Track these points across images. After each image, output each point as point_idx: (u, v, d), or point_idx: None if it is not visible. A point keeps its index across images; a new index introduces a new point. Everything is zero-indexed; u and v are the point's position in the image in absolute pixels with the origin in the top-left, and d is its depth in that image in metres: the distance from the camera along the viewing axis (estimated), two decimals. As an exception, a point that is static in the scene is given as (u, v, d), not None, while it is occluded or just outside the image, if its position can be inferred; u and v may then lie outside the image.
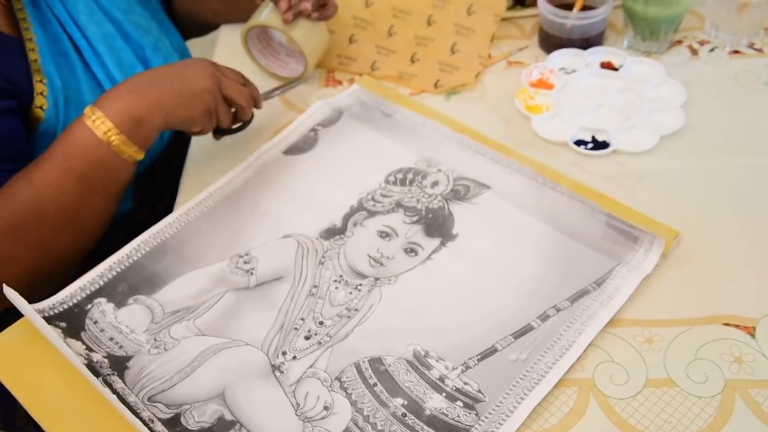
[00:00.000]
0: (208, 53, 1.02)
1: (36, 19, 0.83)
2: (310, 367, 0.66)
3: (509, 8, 1.03)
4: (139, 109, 0.74)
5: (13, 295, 0.68)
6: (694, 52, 0.97)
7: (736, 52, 0.96)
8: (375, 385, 0.65)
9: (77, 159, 0.73)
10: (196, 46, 1.10)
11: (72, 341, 0.68)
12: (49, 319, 0.69)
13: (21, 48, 0.80)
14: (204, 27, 1.12)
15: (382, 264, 0.74)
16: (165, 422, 0.63)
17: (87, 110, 0.73)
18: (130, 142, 0.74)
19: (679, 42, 0.98)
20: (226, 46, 1.02)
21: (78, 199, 0.74)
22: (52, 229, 0.74)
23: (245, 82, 0.84)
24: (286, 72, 0.98)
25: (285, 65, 0.99)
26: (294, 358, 0.67)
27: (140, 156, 0.76)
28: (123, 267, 0.75)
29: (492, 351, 0.66)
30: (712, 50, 0.97)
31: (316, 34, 0.94)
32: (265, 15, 0.91)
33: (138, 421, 0.60)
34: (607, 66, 0.95)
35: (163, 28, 1.00)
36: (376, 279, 0.73)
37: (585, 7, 0.96)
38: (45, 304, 0.71)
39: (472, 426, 0.61)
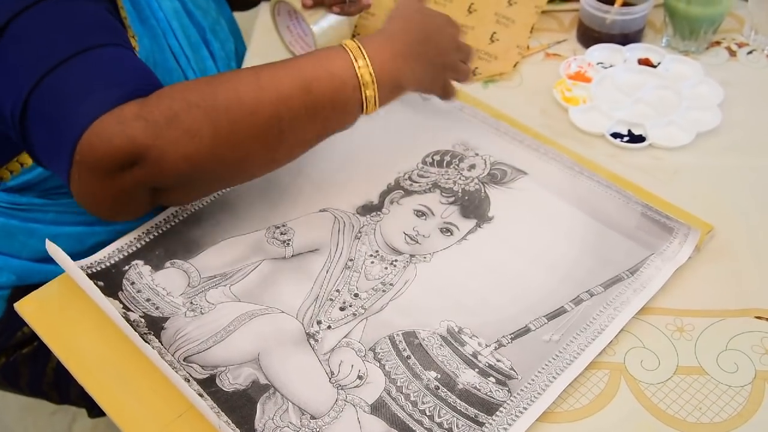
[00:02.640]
0: (249, 26, 1.03)
1: None
2: (345, 337, 0.67)
3: (550, 1, 1.04)
4: (402, 76, 0.72)
5: (54, 250, 0.70)
6: (732, 53, 0.97)
7: (774, 55, 0.96)
8: (408, 357, 0.66)
9: (321, 86, 0.68)
10: (238, 19, 1.11)
11: (110, 300, 0.69)
12: (88, 278, 0.71)
13: (114, 5, 0.80)
14: (248, 1, 1.13)
15: (417, 242, 0.75)
16: (200, 382, 0.64)
17: (353, 47, 0.70)
18: (378, 101, 0.71)
19: (718, 43, 0.99)
20: (266, 21, 1.03)
21: (294, 121, 0.68)
22: (250, 132, 0.66)
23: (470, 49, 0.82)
24: None
25: (305, 49, 0.99)
26: (329, 327, 0.68)
27: (371, 114, 0.72)
28: (160, 231, 0.76)
29: (525, 331, 0.67)
30: (750, 52, 0.97)
31: (334, 27, 0.95)
32: None
33: (177, 376, 0.61)
34: (644, 63, 0.96)
35: (220, 9, 1.01)
36: (412, 256, 0.74)
37: (626, 3, 0.96)
38: (83, 262, 0.73)
39: (504, 401, 0.62)
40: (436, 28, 0.77)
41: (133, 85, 0.66)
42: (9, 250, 0.84)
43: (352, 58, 0.69)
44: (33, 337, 0.92)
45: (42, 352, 0.93)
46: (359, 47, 0.70)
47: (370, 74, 0.69)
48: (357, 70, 0.69)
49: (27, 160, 0.79)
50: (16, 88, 0.65)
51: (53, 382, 0.96)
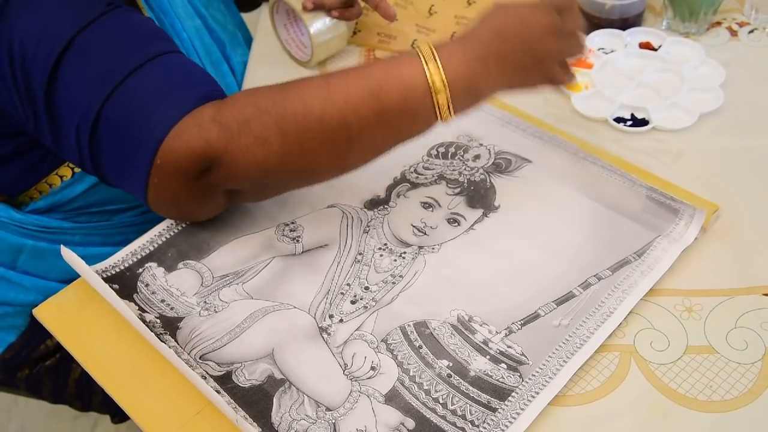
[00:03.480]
0: (252, 27, 1.04)
1: (147, 7, 0.87)
2: (357, 330, 0.68)
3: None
4: (479, 82, 0.68)
5: (70, 256, 0.71)
6: (734, 33, 0.97)
7: (775, 33, 0.96)
8: (420, 347, 0.66)
9: (390, 92, 0.66)
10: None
11: (125, 302, 0.71)
12: (103, 281, 0.72)
13: None
14: (251, 2, 1.14)
15: (425, 233, 0.76)
16: (217, 379, 0.65)
17: (426, 51, 0.67)
18: (453, 107, 0.68)
19: (719, 24, 0.99)
20: (268, 23, 1.04)
21: (364, 129, 0.67)
22: (318, 140, 0.66)
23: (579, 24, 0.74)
24: (298, 54, 1.00)
25: (301, 48, 1.00)
26: (341, 321, 0.69)
27: (448, 121, 0.69)
28: (172, 234, 0.78)
29: (535, 316, 0.68)
30: (751, 32, 0.97)
31: (331, 31, 0.96)
32: None
33: (194, 374, 0.63)
34: (645, 46, 0.96)
35: (235, 20, 1.03)
36: (420, 247, 0.75)
37: (625, -12, 0.97)
38: (98, 266, 0.74)
39: (516, 387, 0.63)
40: (523, 18, 0.69)
41: (205, 89, 0.69)
42: (37, 271, 0.86)
43: (424, 62, 0.66)
44: (56, 349, 0.94)
45: (64, 364, 0.95)
46: (432, 51, 0.67)
47: (442, 80, 0.66)
48: (428, 76, 0.66)
49: (56, 180, 0.81)
50: (86, 101, 0.66)
51: (75, 393, 0.98)
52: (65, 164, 0.80)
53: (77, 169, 0.81)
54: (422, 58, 0.67)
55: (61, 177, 0.81)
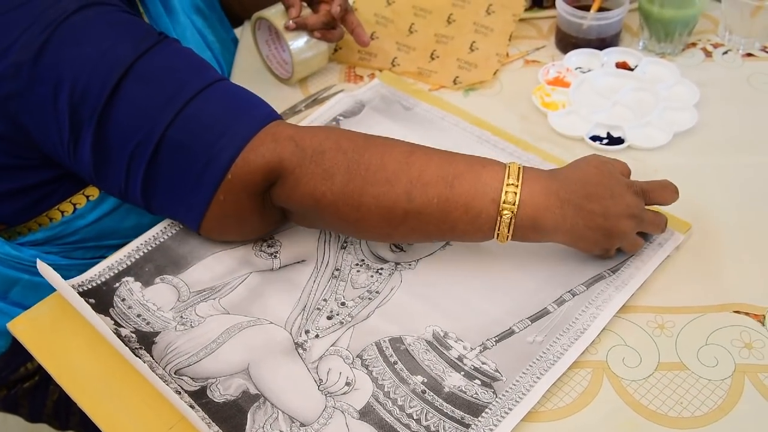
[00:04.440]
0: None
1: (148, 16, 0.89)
2: (332, 345, 0.69)
3: (527, 9, 1.06)
4: (549, 218, 0.67)
5: (45, 270, 0.71)
6: (708, 54, 0.99)
7: (749, 54, 0.98)
8: (395, 363, 0.67)
9: (463, 185, 0.67)
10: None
11: (101, 317, 0.71)
12: (79, 296, 0.72)
13: None
14: (233, 18, 1.15)
15: (402, 249, 0.76)
16: (191, 394, 0.65)
17: (514, 167, 0.67)
18: (511, 231, 0.67)
19: (693, 44, 1.01)
20: (250, 41, 1.04)
21: (423, 207, 0.67)
22: (376, 199, 0.67)
23: (663, 222, 0.73)
24: (279, 71, 1.01)
25: (282, 65, 1.01)
26: (317, 336, 0.69)
27: (502, 240, 0.68)
28: (150, 248, 0.78)
29: (509, 333, 0.69)
30: (725, 53, 0.99)
31: (312, 50, 0.97)
32: (274, 12, 0.95)
33: (168, 389, 0.63)
34: (622, 66, 0.97)
35: (228, 34, 1.05)
36: (397, 264, 0.75)
37: (602, 9, 0.98)
38: (74, 281, 0.74)
39: (490, 403, 0.63)
40: (612, 190, 0.68)
41: (268, 109, 0.72)
42: (30, 303, 0.86)
43: (506, 173, 0.67)
44: (35, 372, 0.94)
45: (43, 385, 0.95)
46: (519, 169, 0.67)
47: (515, 194, 0.66)
48: (504, 185, 0.66)
49: (57, 215, 0.82)
50: (147, 126, 0.68)
51: (53, 414, 0.97)
52: (68, 200, 0.81)
53: (80, 205, 0.82)
54: (507, 170, 0.67)
55: (63, 212, 0.81)
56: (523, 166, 0.68)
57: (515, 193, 0.66)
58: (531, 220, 0.67)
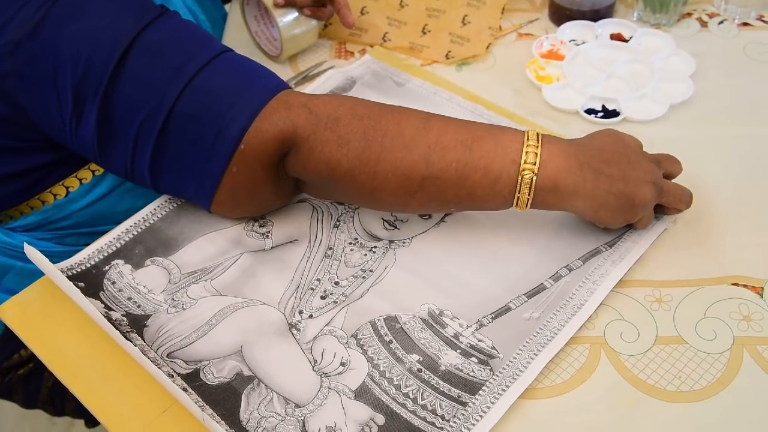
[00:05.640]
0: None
1: None
2: (327, 325, 0.68)
3: (519, -19, 1.04)
4: (568, 179, 0.65)
5: (33, 253, 0.70)
6: (704, 24, 0.98)
7: (745, 24, 0.97)
8: (391, 342, 0.66)
9: (482, 147, 0.65)
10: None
11: (91, 300, 0.70)
12: (68, 279, 0.71)
13: None
14: None
15: (396, 227, 0.75)
16: (184, 377, 0.64)
17: (532, 132, 0.66)
18: (532, 194, 0.66)
19: (689, 15, 0.99)
20: (239, 17, 1.03)
21: (441, 172, 0.66)
22: (393, 165, 0.66)
23: (687, 195, 0.72)
24: (268, 47, 1.00)
25: (271, 41, 0.99)
26: (310, 316, 0.68)
27: (522, 207, 0.67)
28: (140, 230, 0.76)
29: (506, 310, 0.68)
30: (721, 23, 0.97)
31: (302, 26, 0.95)
32: None
33: (160, 372, 0.62)
34: (617, 38, 0.96)
35: (220, 14, 1.03)
36: (390, 241, 0.74)
37: (595, -21, 0.97)
38: (63, 264, 0.73)
39: (487, 380, 0.63)
40: (629, 157, 0.68)
41: (278, 79, 0.70)
42: (22, 289, 0.86)
43: (526, 136, 0.66)
44: (30, 359, 0.93)
45: (38, 372, 0.94)
46: (538, 133, 0.66)
47: (535, 154, 0.65)
48: (524, 146, 0.65)
49: (49, 198, 0.80)
50: (154, 99, 0.66)
51: (48, 400, 0.97)
52: (60, 183, 0.80)
53: (73, 188, 0.80)
54: (526, 133, 0.66)
55: (55, 195, 0.80)
56: (542, 133, 0.67)
57: (536, 154, 0.65)
58: (552, 181, 0.65)
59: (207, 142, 0.67)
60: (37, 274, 0.72)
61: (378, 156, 0.66)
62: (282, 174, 0.70)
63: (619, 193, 0.66)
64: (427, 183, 0.66)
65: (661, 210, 0.72)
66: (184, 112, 0.66)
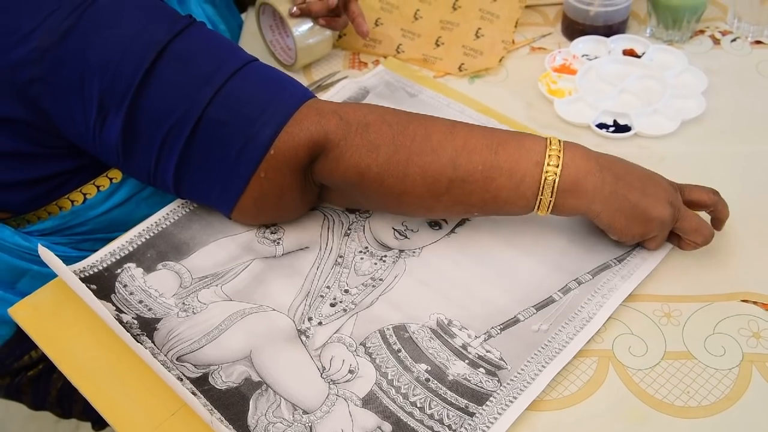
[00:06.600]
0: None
1: None
2: (336, 332, 0.68)
3: (533, -5, 1.05)
4: (589, 182, 0.66)
5: (47, 255, 0.70)
6: (717, 41, 0.98)
7: (758, 42, 0.97)
8: (399, 351, 0.66)
9: (507, 150, 0.67)
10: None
11: (103, 302, 0.70)
12: (81, 281, 0.71)
13: None
14: (238, 4, 1.14)
15: (406, 237, 0.76)
16: (193, 381, 0.64)
17: (554, 139, 0.68)
18: (552, 197, 0.67)
19: (702, 32, 0.99)
20: (254, 26, 1.04)
21: (467, 176, 0.67)
22: (422, 169, 0.67)
23: (706, 229, 0.71)
24: (282, 57, 1.00)
25: (286, 51, 1.00)
26: (320, 323, 0.69)
27: (537, 212, 0.68)
28: (152, 234, 0.77)
29: (514, 321, 0.68)
30: (734, 40, 0.98)
31: (316, 36, 0.96)
32: None
33: (170, 375, 0.62)
34: (629, 53, 0.96)
35: (237, 21, 1.04)
36: (401, 251, 0.75)
37: (609, -5, 0.97)
38: (76, 266, 0.73)
39: (494, 391, 0.63)
40: (649, 174, 0.70)
41: (304, 89, 0.72)
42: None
43: (548, 141, 0.67)
44: (39, 360, 0.93)
45: (47, 374, 0.94)
46: (560, 141, 0.68)
47: (558, 157, 0.66)
48: (547, 149, 0.67)
49: (66, 204, 0.81)
50: (184, 105, 0.67)
51: (56, 402, 0.97)
52: (78, 190, 0.81)
53: (90, 195, 0.81)
54: (548, 138, 0.68)
55: (73, 201, 0.81)
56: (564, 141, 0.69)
57: (558, 157, 0.66)
58: (573, 182, 0.66)
59: (236, 147, 0.67)
60: (52, 278, 0.73)
61: (407, 160, 0.67)
62: (308, 180, 0.71)
63: (637, 201, 0.67)
64: (453, 186, 0.67)
65: (677, 242, 0.72)
66: (215, 118, 0.67)
